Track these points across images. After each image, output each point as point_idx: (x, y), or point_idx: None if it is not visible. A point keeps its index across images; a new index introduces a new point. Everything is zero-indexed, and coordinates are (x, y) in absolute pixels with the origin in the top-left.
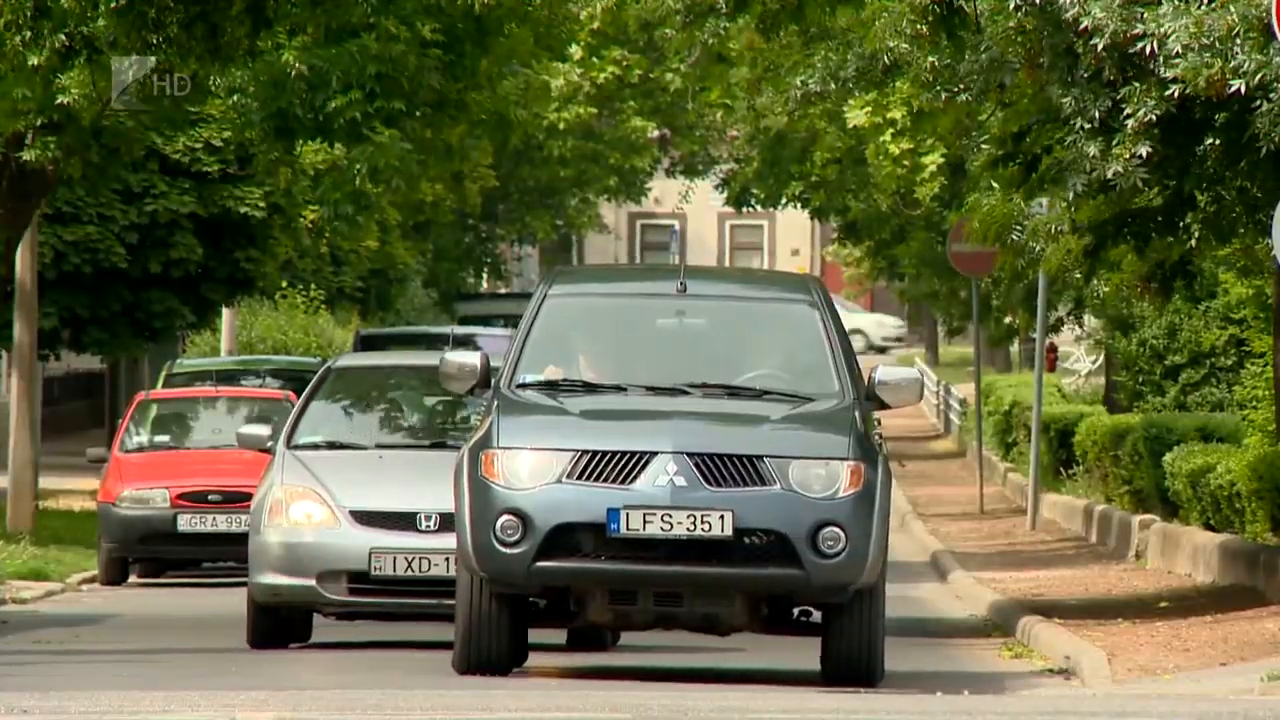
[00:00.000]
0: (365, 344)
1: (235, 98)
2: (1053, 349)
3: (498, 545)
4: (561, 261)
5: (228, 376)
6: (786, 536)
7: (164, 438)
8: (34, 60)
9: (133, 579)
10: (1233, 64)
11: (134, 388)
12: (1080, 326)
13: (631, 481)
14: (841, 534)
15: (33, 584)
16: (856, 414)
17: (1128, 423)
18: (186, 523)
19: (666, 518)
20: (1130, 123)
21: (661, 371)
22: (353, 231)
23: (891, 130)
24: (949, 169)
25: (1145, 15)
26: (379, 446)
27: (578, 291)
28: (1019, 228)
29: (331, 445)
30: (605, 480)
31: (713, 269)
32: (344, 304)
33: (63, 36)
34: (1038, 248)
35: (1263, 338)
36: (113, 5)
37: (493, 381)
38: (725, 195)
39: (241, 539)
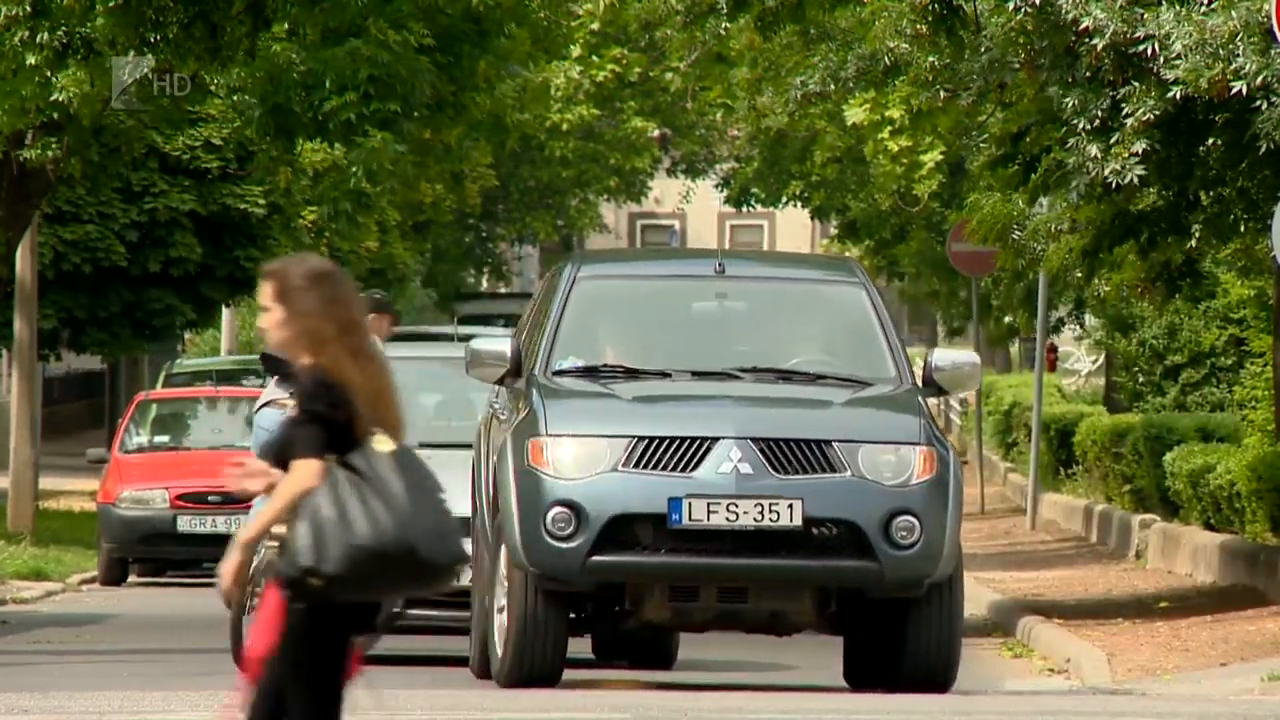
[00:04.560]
0: None
1: (235, 96)
2: (1053, 349)
3: (549, 539)
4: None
5: (228, 376)
6: (858, 526)
7: (164, 438)
8: (31, 59)
9: (133, 579)
10: (1234, 66)
11: (134, 388)
12: (1080, 326)
13: (692, 469)
14: (916, 523)
15: (33, 584)
16: (920, 398)
17: (1128, 423)
18: (186, 523)
19: (732, 507)
20: (1130, 123)
21: (702, 356)
22: (352, 231)
23: (890, 128)
24: (948, 167)
25: (1146, 17)
26: (422, 446)
27: (609, 274)
28: (1019, 228)
29: None
30: (664, 468)
31: (747, 251)
32: None
33: (61, 35)
34: (1038, 247)
35: (1263, 338)
36: (111, 4)
37: (525, 368)
38: (725, 195)
39: None
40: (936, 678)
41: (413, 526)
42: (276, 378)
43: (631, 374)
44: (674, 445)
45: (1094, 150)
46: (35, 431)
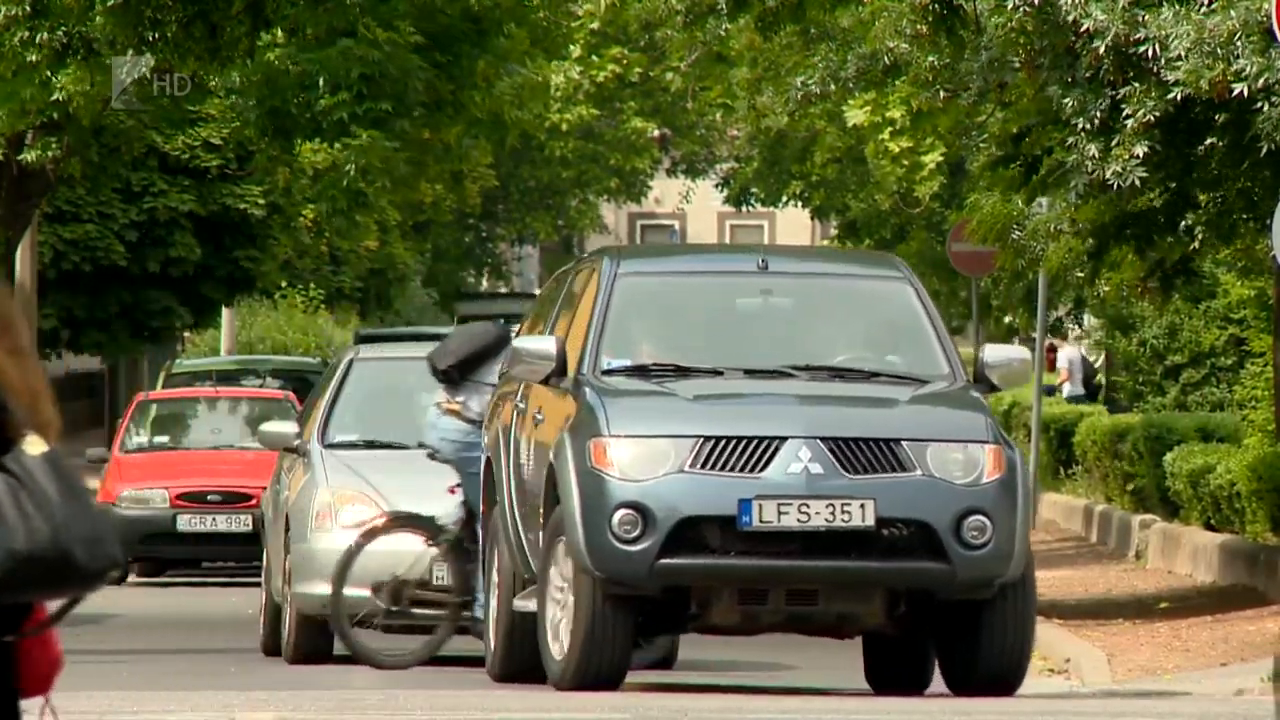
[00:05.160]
0: (365, 344)
1: (233, 97)
2: (1052, 349)
3: (615, 542)
4: (562, 262)
5: (228, 376)
6: (930, 527)
7: (164, 438)
8: (30, 57)
9: (133, 579)
10: (1235, 67)
11: (134, 388)
12: (1080, 326)
13: (761, 470)
14: (988, 523)
15: None
16: (982, 396)
17: (1128, 423)
18: (186, 523)
19: (803, 508)
20: (1130, 123)
21: (751, 353)
22: (350, 230)
23: (890, 129)
24: (948, 168)
25: (1146, 18)
26: (422, 446)
27: (651, 270)
28: (1019, 227)
29: (370, 444)
30: (732, 469)
31: (788, 246)
32: (343, 304)
33: (61, 35)
34: (1038, 247)
35: (1263, 338)
36: (110, 4)
37: (570, 368)
38: (725, 195)
39: (241, 539)
40: (1008, 679)
41: (68, 531)
42: None
43: (683, 372)
44: (741, 445)
45: (1094, 150)
46: None
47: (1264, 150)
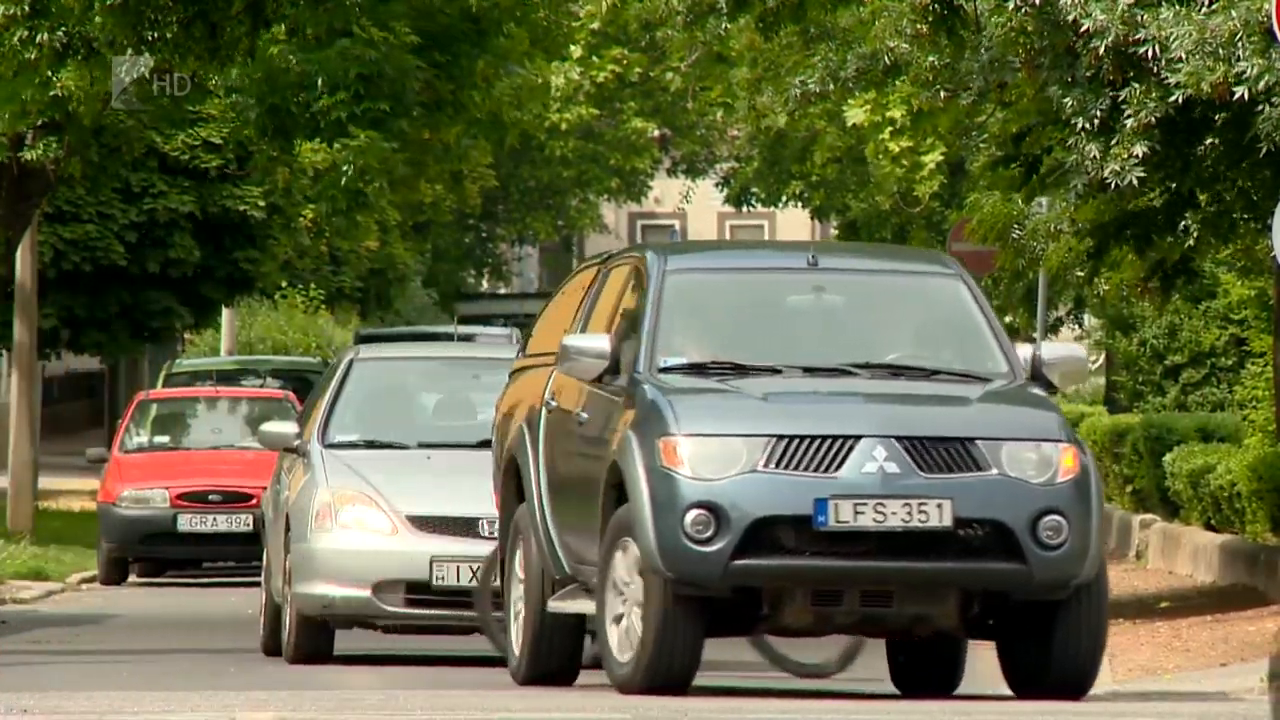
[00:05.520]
0: (364, 344)
1: (233, 96)
2: None
3: (688, 543)
4: (562, 263)
5: (228, 376)
6: (1007, 527)
7: (164, 438)
8: (28, 55)
9: (133, 579)
10: (1236, 69)
11: (134, 388)
12: (1080, 326)
13: (836, 469)
14: (1064, 523)
15: (33, 584)
16: (1047, 394)
17: (1128, 423)
18: (186, 523)
19: (880, 508)
20: (1130, 123)
21: (805, 351)
22: (350, 230)
23: (891, 129)
24: (948, 167)
25: (1146, 18)
26: (422, 445)
27: (701, 266)
28: (1019, 227)
29: (370, 444)
30: (805, 468)
31: (836, 242)
32: (344, 304)
33: (61, 35)
34: (1038, 247)
35: (1263, 338)
36: (110, 4)
37: (624, 366)
38: (725, 195)
39: (241, 539)
40: (1080, 682)
41: None
42: None
43: (741, 370)
44: (815, 444)
45: (1094, 151)
46: (35, 431)
47: (1264, 151)
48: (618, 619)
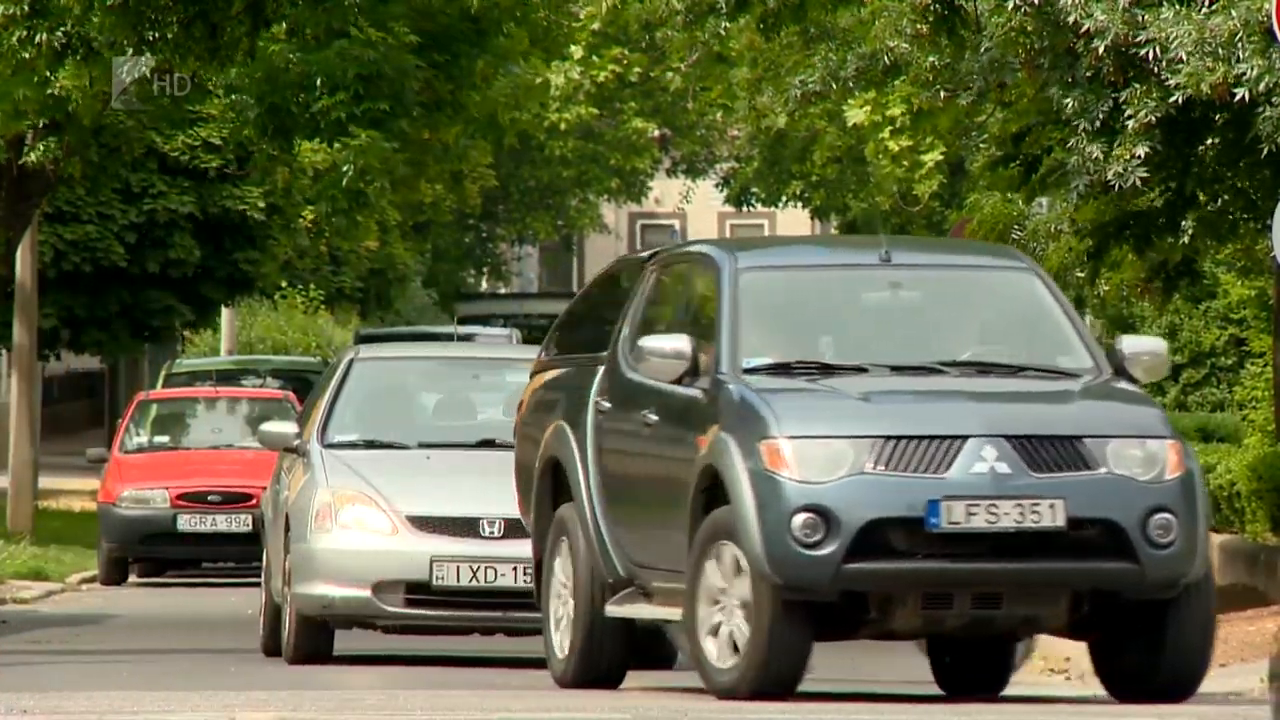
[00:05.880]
0: (364, 344)
1: (232, 97)
2: None
3: (796, 547)
4: (562, 262)
5: (228, 376)
6: (1119, 526)
7: (164, 438)
8: (25, 54)
9: (133, 579)
10: (1236, 69)
11: (134, 388)
12: None
13: (944, 470)
14: (1173, 521)
15: (33, 584)
16: (1143, 390)
17: None
18: (186, 523)
19: (992, 509)
20: (1131, 124)
21: (886, 349)
22: (350, 230)
23: (890, 128)
24: (948, 167)
25: (1147, 19)
26: (422, 445)
27: (774, 264)
28: (1019, 228)
29: (370, 444)
30: (914, 469)
31: (906, 237)
32: (344, 304)
33: (60, 35)
34: (1038, 247)
35: (1263, 338)
36: (110, 4)
37: (704, 367)
38: (725, 195)
39: (241, 539)
40: (1188, 683)
41: None
42: None
43: (827, 370)
44: (922, 445)
45: (1095, 151)
46: (35, 431)
47: (1264, 151)
48: (715, 627)
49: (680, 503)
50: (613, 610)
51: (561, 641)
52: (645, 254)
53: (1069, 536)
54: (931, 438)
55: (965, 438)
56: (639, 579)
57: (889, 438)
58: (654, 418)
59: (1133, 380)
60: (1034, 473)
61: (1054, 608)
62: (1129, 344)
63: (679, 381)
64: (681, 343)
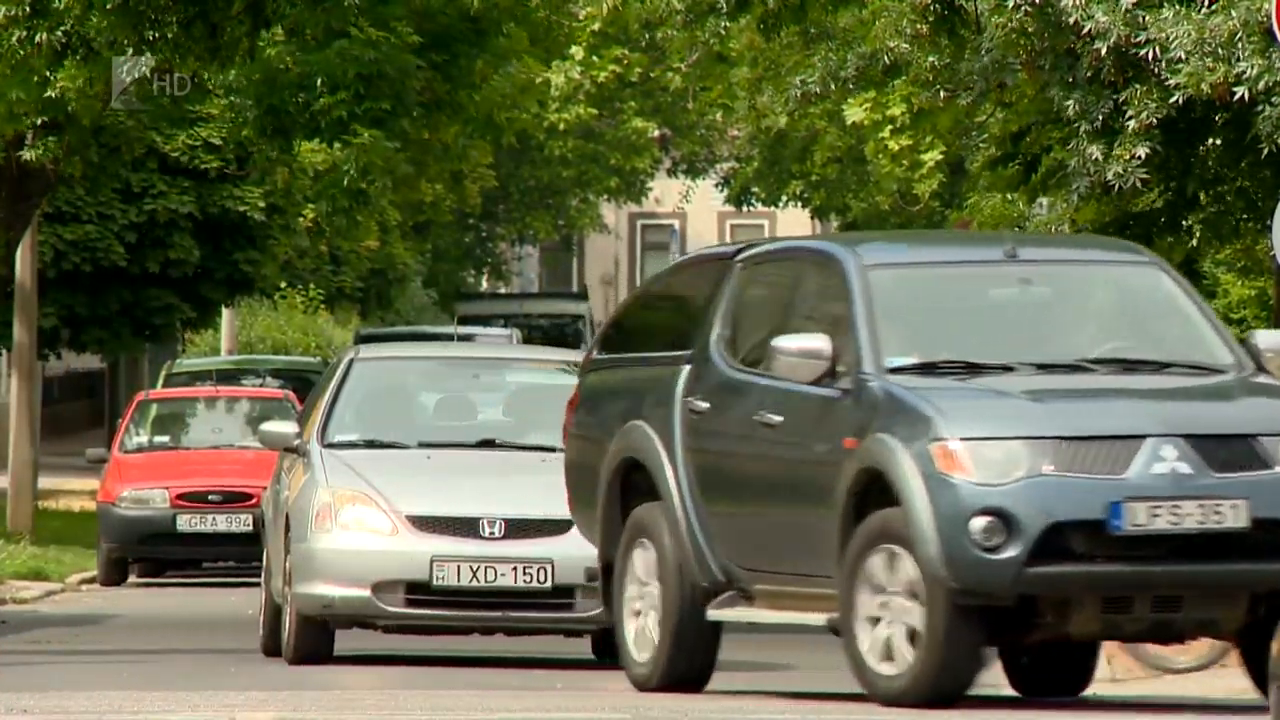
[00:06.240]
0: (364, 344)
1: (231, 97)
2: None
3: (975, 551)
4: (562, 262)
5: (228, 376)
6: None
7: (164, 438)
8: (22, 53)
9: (133, 579)
10: (1236, 69)
11: (134, 388)
12: None
13: (1123, 470)
14: None
15: (32, 584)
16: None
17: None
18: (186, 523)
19: (1175, 510)
20: (1131, 124)
21: (1026, 346)
22: (350, 230)
23: (890, 127)
24: (948, 167)
25: (1147, 19)
26: (422, 445)
27: (900, 261)
28: (1019, 229)
29: (370, 444)
30: (1093, 470)
31: (1029, 234)
32: (344, 304)
33: (60, 35)
34: None
35: None
36: (109, 4)
37: (845, 366)
38: (725, 195)
39: (241, 539)
40: None
41: None
42: None
43: (974, 369)
44: (1099, 445)
45: (1095, 152)
46: (35, 431)
47: (1265, 151)
48: (879, 632)
49: (813, 504)
50: (714, 614)
51: (639, 643)
52: (726, 251)
53: (1251, 538)
54: (1109, 438)
55: (1142, 437)
56: (739, 581)
57: (1065, 438)
58: (775, 418)
59: (1271, 376)
60: (1215, 473)
61: (1233, 610)
62: (1264, 339)
63: (817, 384)
64: (821, 342)
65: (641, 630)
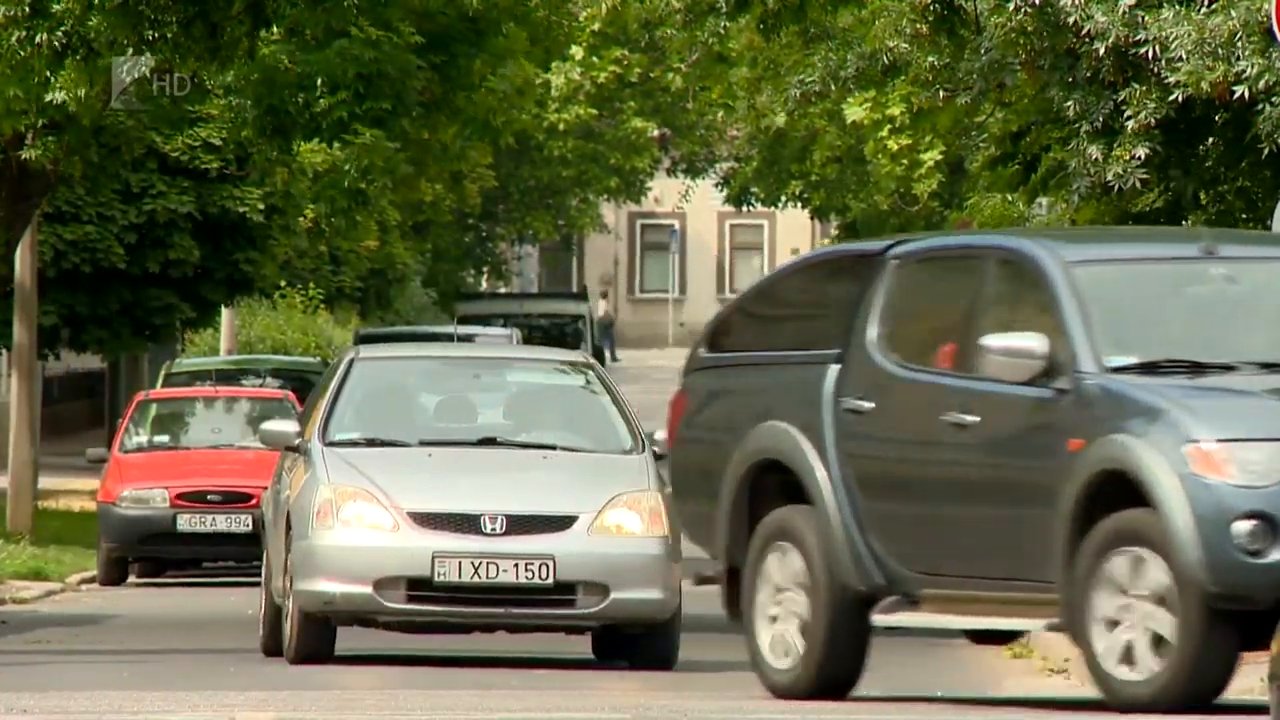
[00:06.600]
0: (364, 344)
1: (231, 98)
2: None
3: (1239, 555)
4: (562, 262)
5: (228, 376)
6: None
7: (164, 438)
8: (20, 54)
9: (132, 579)
10: (1236, 69)
11: (134, 388)
12: None
13: None
14: None
15: (33, 584)
16: None
17: None
18: (186, 522)
19: None
20: (1131, 124)
21: (1237, 345)
22: (350, 230)
23: (890, 127)
24: (947, 167)
25: (1147, 19)
26: (423, 444)
27: (1100, 258)
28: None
29: (371, 442)
30: None
31: (1221, 230)
32: (343, 304)
33: (60, 35)
34: None
35: None
36: (109, 4)
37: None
38: (725, 195)
39: (241, 539)
40: None
41: None
42: None
43: (1197, 368)
44: None
45: (1095, 153)
46: (35, 431)
47: (1265, 151)
48: (1118, 638)
49: (1025, 506)
50: (881, 620)
51: (775, 649)
52: (872, 249)
53: None
54: None
55: None
56: (902, 585)
57: None
58: (970, 418)
59: None
60: None
61: None
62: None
63: (1030, 383)
64: (1038, 342)
65: (779, 636)
